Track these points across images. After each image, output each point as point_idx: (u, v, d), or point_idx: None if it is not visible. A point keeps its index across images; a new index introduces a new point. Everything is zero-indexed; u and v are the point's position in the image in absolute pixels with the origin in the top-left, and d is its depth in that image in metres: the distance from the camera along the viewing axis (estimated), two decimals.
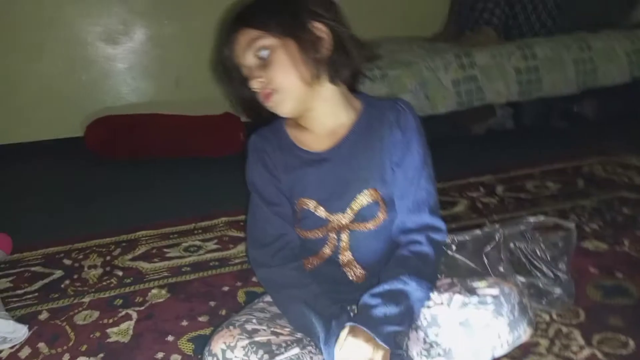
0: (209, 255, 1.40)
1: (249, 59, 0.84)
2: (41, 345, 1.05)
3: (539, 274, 1.09)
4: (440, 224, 0.89)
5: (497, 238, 1.13)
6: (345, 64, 0.87)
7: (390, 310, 0.77)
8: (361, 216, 0.88)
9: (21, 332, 1.06)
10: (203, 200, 1.79)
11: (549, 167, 1.94)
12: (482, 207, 1.66)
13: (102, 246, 1.47)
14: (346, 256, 0.90)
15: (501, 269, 1.09)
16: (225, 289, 1.23)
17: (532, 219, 1.17)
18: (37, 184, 2.06)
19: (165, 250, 1.44)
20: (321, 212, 0.88)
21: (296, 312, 0.83)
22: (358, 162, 0.89)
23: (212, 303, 1.17)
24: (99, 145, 2.26)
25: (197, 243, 1.47)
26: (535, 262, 1.12)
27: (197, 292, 1.22)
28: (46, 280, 1.30)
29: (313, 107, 0.88)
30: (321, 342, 0.78)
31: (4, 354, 1.03)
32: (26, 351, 1.03)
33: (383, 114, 0.91)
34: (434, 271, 0.87)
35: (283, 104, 0.86)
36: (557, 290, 1.07)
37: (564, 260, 1.09)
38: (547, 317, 1.05)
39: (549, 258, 1.12)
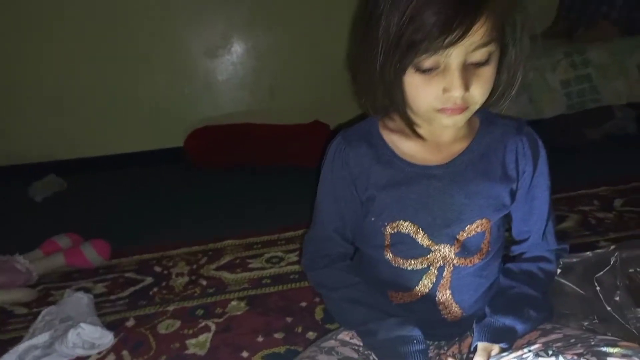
0: (289, 268, 1.37)
1: (470, 59, 0.63)
2: (124, 353, 1.07)
3: None
4: (566, 247, 0.85)
5: (612, 261, 0.97)
6: (508, 92, 0.71)
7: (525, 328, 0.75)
8: (466, 249, 0.77)
9: (107, 338, 1.09)
10: (289, 210, 1.77)
11: None
12: (596, 223, 1.47)
13: (190, 254, 1.50)
14: (445, 295, 0.79)
15: (617, 298, 0.94)
16: (303, 304, 1.19)
17: None
18: (137, 192, 2.17)
19: (248, 260, 1.43)
20: (422, 239, 0.76)
21: (351, 311, 0.80)
22: (476, 187, 0.75)
23: (288, 319, 1.14)
24: (196, 155, 2.36)
25: (279, 254, 1.45)
26: None
27: (275, 306, 1.19)
28: (137, 287, 1.34)
29: None
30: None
31: None
32: (111, 358, 1.06)
33: (507, 135, 0.77)
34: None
35: (461, 122, 0.69)
36: None
37: None
38: None
39: None
